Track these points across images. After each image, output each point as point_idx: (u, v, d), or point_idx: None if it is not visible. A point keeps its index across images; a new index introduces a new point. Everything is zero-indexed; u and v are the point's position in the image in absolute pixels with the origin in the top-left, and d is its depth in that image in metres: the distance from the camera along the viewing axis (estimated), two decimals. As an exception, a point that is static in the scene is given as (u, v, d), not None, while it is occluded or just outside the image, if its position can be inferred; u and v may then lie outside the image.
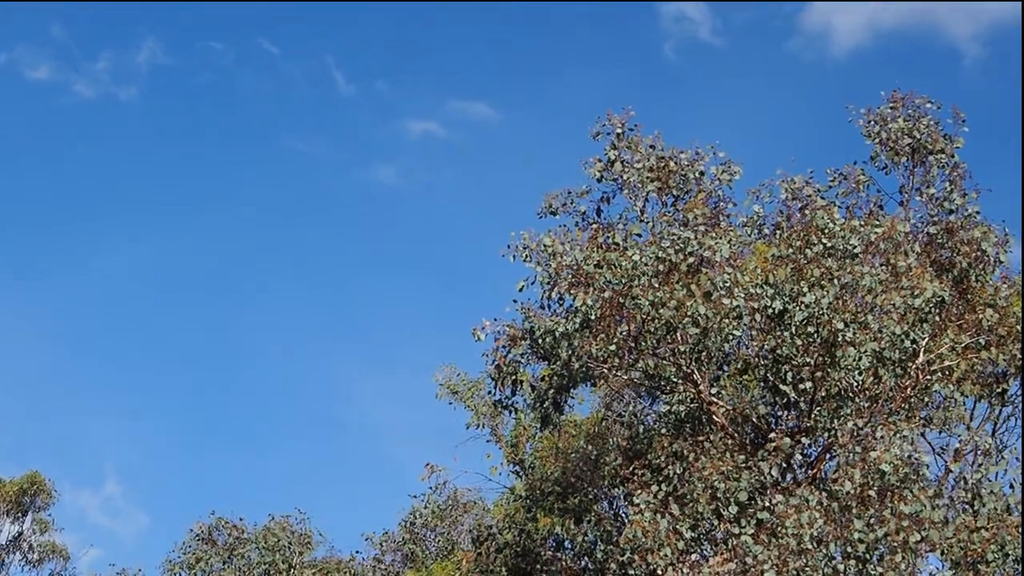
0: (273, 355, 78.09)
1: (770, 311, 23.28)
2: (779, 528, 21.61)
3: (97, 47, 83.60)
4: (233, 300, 79.87)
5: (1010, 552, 21.44)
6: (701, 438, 23.87)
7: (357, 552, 41.29)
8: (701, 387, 24.22)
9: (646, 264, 23.49)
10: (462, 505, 38.88)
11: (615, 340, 23.64)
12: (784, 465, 23.27)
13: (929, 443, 26.12)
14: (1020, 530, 21.82)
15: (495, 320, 25.15)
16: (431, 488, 38.64)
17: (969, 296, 24.74)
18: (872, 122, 25.91)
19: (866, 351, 22.90)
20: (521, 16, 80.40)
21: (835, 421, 23.30)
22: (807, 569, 21.18)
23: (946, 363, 24.10)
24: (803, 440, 23.51)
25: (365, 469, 69.97)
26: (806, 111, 73.73)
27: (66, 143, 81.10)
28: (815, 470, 24.08)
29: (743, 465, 22.95)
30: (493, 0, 77.36)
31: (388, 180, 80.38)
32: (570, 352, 24.20)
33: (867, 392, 23.45)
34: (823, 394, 23.56)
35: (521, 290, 24.56)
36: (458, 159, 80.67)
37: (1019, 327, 24.45)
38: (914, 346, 23.56)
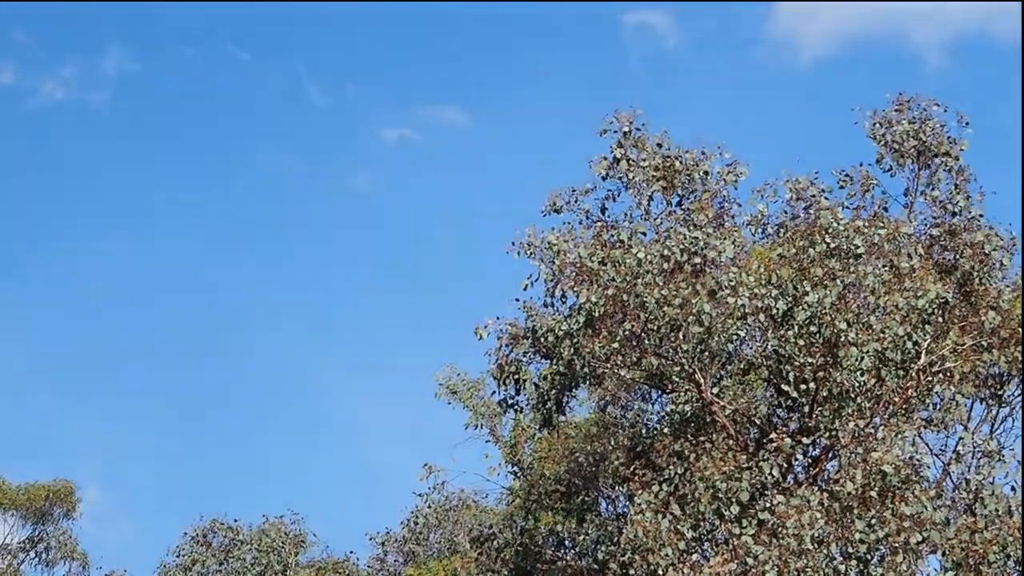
0: (257, 359, 78.04)
1: (773, 311, 23.24)
2: (780, 528, 21.59)
3: (62, 52, 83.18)
4: (214, 305, 79.72)
5: (1011, 553, 21.43)
6: (703, 438, 23.82)
7: (351, 552, 41.42)
8: (703, 387, 24.19)
9: (651, 262, 23.45)
10: (462, 505, 38.84)
11: (618, 338, 23.60)
12: (785, 465, 23.23)
13: (927, 445, 26.12)
14: (1021, 532, 21.81)
15: (497, 319, 25.11)
16: (430, 488, 38.66)
17: (972, 298, 24.73)
18: (877, 124, 25.89)
19: (868, 352, 22.87)
20: (490, 21, 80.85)
21: (837, 421, 23.27)
22: (808, 570, 21.17)
23: (947, 365, 24.07)
24: (804, 440, 23.47)
25: (353, 471, 69.92)
26: (775, 118, 73.95)
27: (37, 145, 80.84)
28: (816, 471, 24.05)
29: (744, 465, 22.92)
30: (462, 1, 77.58)
31: (364, 186, 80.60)
32: (572, 351, 24.16)
33: (869, 393, 23.42)
34: (825, 394, 23.53)
35: (525, 288, 24.55)
36: (432, 163, 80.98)
37: (1021, 330, 24.43)
38: (916, 347, 23.52)
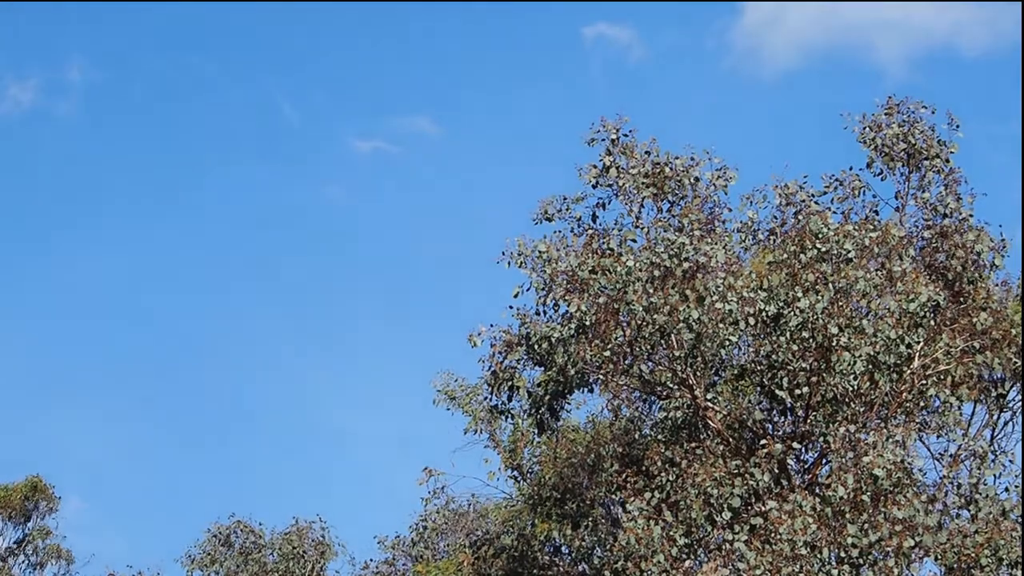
0: (245, 367, 77.86)
1: (765, 316, 23.29)
2: (772, 534, 21.61)
3: (27, 60, 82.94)
4: (201, 314, 79.68)
5: (1004, 557, 21.41)
6: (695, 444, 23.87)
7: (371, 560, 41.34)
8: (697, 392, 24.23)
9: (641, 270, 23.51)
10: (470, 508, 38.87)
11: (610, 346, 23.68)
12: (777, 471, 23.26)
13: (928, 448, 26.09)
14: (1018, 533, 21.79)
15: (491, 326, 25.22)
16: (429, 493, 38.67)
17: (963, 300, 24.73)
18: (867, 128, 25.90)
19: (861, 356, 22.91)
20: (457, 33, 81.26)
21: (831, 426, 23.29)
22: (801, 575, 21.19)
23: (942, 367, 24.06)
24: (796, 445, 23.51)
25: (347, 478, 69.85)
26: (743, 128, 74.01)
27: (7, 152, 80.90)
28: (811, 475, 24.09)
29: (736, 471, 22.95)
30: (435, 1, 77.72)
31: (341, 197, 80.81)
32: (566, 358, 24.24)
33: (863, 397, 23.45)
34: (819, 399, 23.56)
35: (516, 296, 24.64)
36: (408, 174, 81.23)
37: (1014, 331, 24.41)
38: (909, 350, 23.55)
